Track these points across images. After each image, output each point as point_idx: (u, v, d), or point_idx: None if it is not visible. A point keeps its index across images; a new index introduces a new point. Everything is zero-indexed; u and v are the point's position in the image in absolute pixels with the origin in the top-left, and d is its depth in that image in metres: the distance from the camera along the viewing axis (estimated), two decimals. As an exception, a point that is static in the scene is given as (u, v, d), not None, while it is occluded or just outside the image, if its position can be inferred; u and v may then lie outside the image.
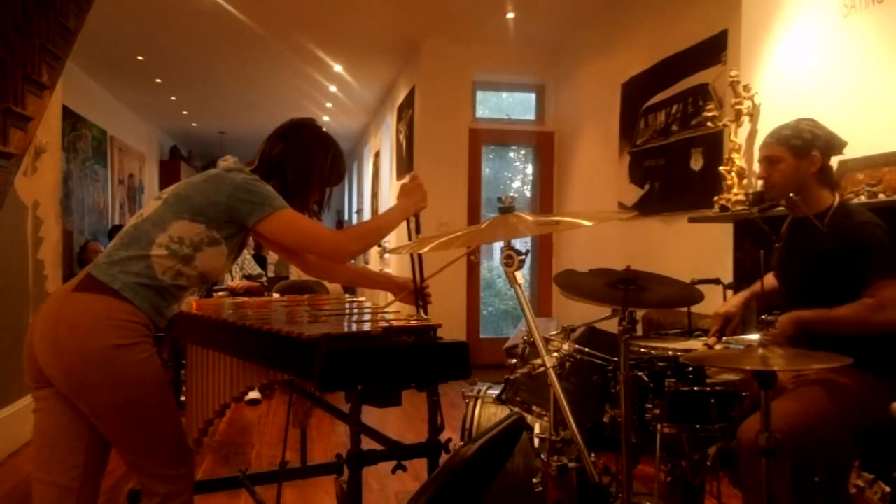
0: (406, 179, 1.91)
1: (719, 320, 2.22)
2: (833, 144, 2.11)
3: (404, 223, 1.91)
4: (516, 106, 6.86)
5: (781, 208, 2.22)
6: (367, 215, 9.99)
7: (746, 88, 3.25)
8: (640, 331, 3.46)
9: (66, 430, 1.62)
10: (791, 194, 2.09)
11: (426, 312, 1.95)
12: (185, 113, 9.60)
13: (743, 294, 2.30)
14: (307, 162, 1.82)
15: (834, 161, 2.51)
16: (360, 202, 11.38)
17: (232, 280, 5.07)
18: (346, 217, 13.90)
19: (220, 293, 4.88)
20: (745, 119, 3.27)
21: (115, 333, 1.55)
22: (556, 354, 2.15)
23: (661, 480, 2.13)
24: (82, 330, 1.54)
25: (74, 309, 1.56)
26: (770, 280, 2.28)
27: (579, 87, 5.92)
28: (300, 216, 1.76)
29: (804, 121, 2.13)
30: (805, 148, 2.06)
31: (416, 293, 1.93)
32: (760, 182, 2.23)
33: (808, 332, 1.95)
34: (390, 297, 2.11)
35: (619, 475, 2.07)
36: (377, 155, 9.22)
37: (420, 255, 1.87)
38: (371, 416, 1.75)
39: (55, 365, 1.55)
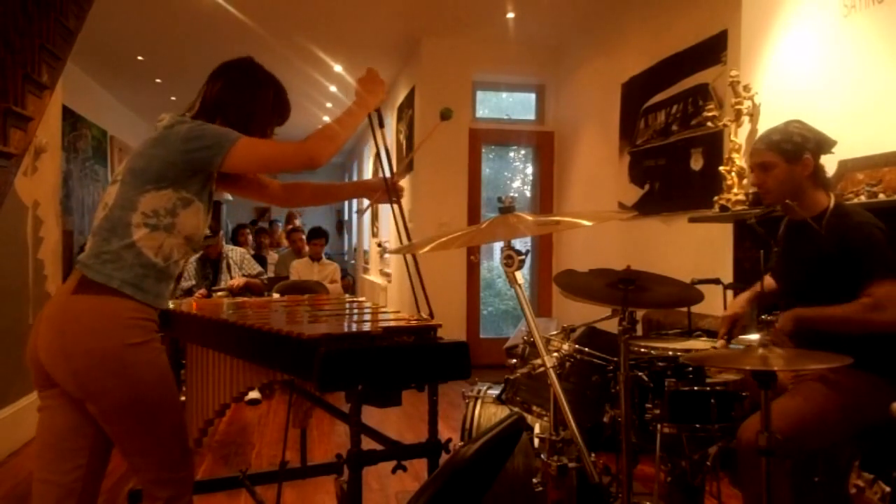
0: (363, 74, 1.86)
1: (727, 322, 2.20)
2: (823, 144, 2.10)
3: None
4: (516, 106, 6.86)
5: (778, 212, 2.22)
6: (367, 215, 9.98)
7: (746, 88, 3.25)
8: (640, 331, 3.46)
9: (71, 430, 1.61)
10: (787, 200, 2.07)
11: (400, 207, 1.96)
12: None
13: (746, 294, 2.29)
14: (250, 103, 1.77)
15: (834, 161, 2.51)
16: (360, 202, 11.36)
17: (231, 279, 5.07)
18: (346, 217, 13.89)
19: (220, 293, 4.87)
20: (745, 119, 3.27)
21: (125, 333, 1.54)
22: (556, 354, 2.15)
23: (661, 480, 2.13)
24: (90, 331, 1.52)
25: (79, 311, 1.54)
26: (769, 281, 2.28)
27: (579, 87, 5.92)
28: (259, 139, 1.70)
29: (792, 123, 2.11)
30: (797, 152, 2.04)
31: (389, 190, 1.95)
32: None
33: (808, 331, 1.95)
34: (391, 297, 2.11)
35: (619, 475, 2.07)
36: (377, 155, 9.20)
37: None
38: (371, 416, 1.76)
39: (64, 368, 1.53)
